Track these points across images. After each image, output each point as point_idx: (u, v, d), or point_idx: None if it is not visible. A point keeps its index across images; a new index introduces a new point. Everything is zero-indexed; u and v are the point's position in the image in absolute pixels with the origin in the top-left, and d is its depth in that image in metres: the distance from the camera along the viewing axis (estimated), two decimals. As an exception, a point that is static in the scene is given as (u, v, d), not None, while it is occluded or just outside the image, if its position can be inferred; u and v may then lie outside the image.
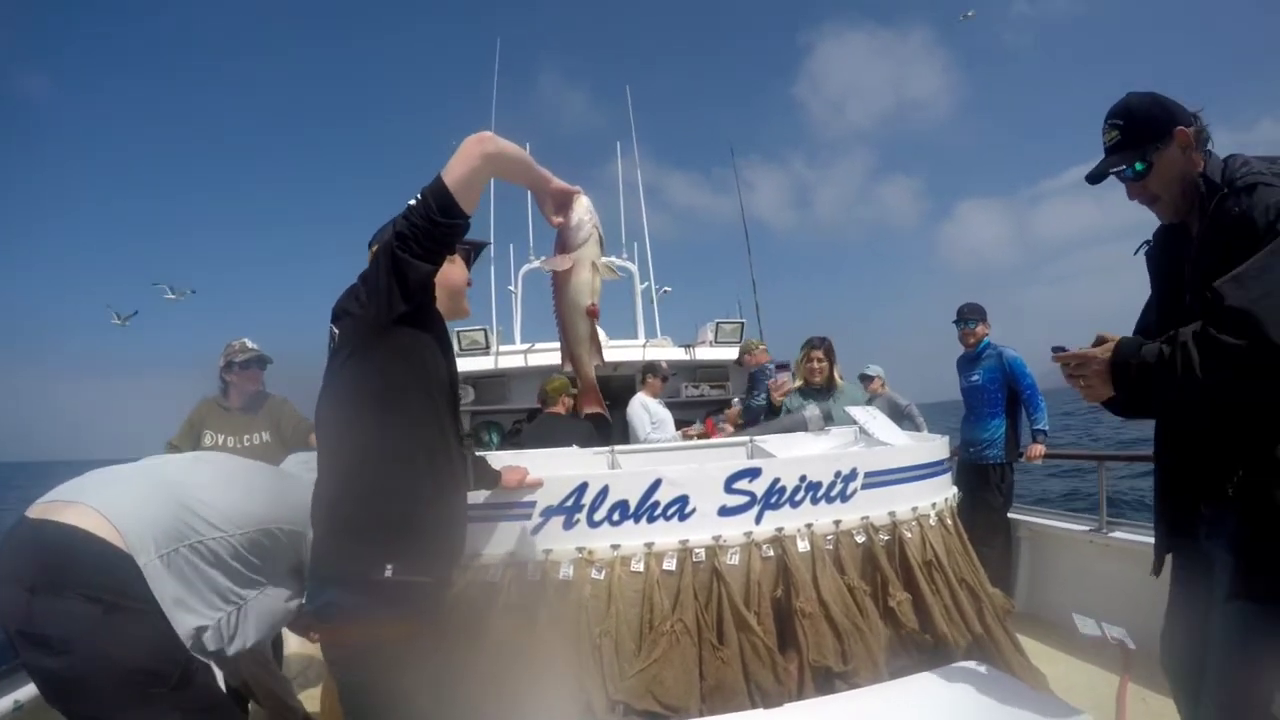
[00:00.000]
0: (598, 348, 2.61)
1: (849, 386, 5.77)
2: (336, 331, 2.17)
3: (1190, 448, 2.30)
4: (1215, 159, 2.25)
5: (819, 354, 5.58)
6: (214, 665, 2.33)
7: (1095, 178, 2.36)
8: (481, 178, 2.11)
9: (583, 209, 2.43)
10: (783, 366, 6.61)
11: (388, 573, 1.97)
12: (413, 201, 2.04)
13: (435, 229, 2.01)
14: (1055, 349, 2.25)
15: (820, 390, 5.55)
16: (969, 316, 6.19)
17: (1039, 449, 5.89)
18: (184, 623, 2.11)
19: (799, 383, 5.80)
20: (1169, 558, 2.52)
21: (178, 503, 2.24)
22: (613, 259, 8.83)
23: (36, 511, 2.12)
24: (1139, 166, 2.24)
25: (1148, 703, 3.66)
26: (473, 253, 2.58)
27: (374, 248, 2.24)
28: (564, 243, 2.45)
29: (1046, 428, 5.96)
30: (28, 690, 2.92)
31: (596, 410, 2.86)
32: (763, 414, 6.47)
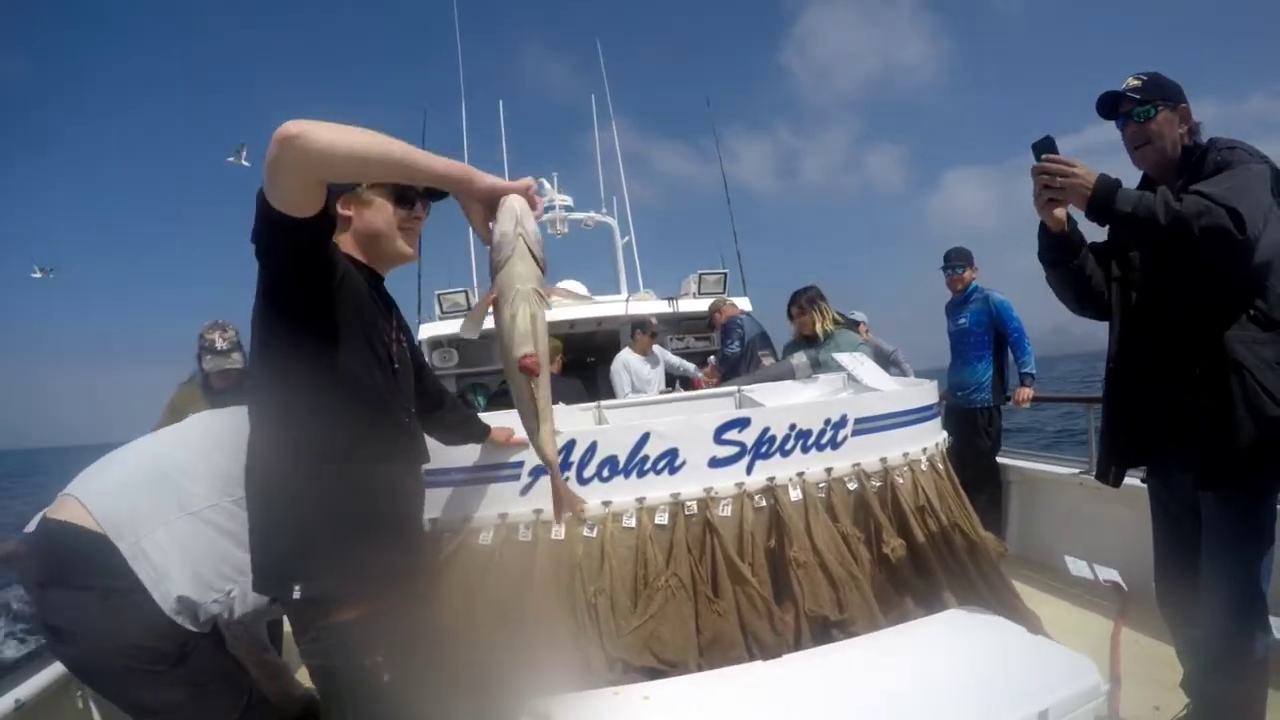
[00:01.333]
0: (536, 406, 1.89)
1: (844, 332, 5.60)
2: None
3: (1147, 361, 2.55)
4: (1200, 140, 2.58)
5: (795, 308, 5.56)
6: (222, 630, 2.35)
7: (1111, 99, 2.58)
8: (302, 188, 1.56)
9: (508, 216, 1.75)
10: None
11: (296, 594, 1.82)
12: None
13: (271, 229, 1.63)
14: (1044, 141, 2.37)
15: (814, 341, 5.46)
16: (956, 261, 6.13)
17: (1027, 392, 5.86)
18: (169, 596, 2.13)
19: (793, 340, 5.73)
20: (1146, 493, 2.77)
21: (164, 477, 2.25)
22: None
23: (49, 509, 2.24)
24: (1151, 111, 2.51)
25: (1139, 644, 3.68)
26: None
27: None
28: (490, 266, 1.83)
29: (1034, 371, 5.92)
30: (28, 688, 2.92)
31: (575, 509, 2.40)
32: (740, 361, 6.50)
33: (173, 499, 2.21)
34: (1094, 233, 2.52)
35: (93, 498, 2.17)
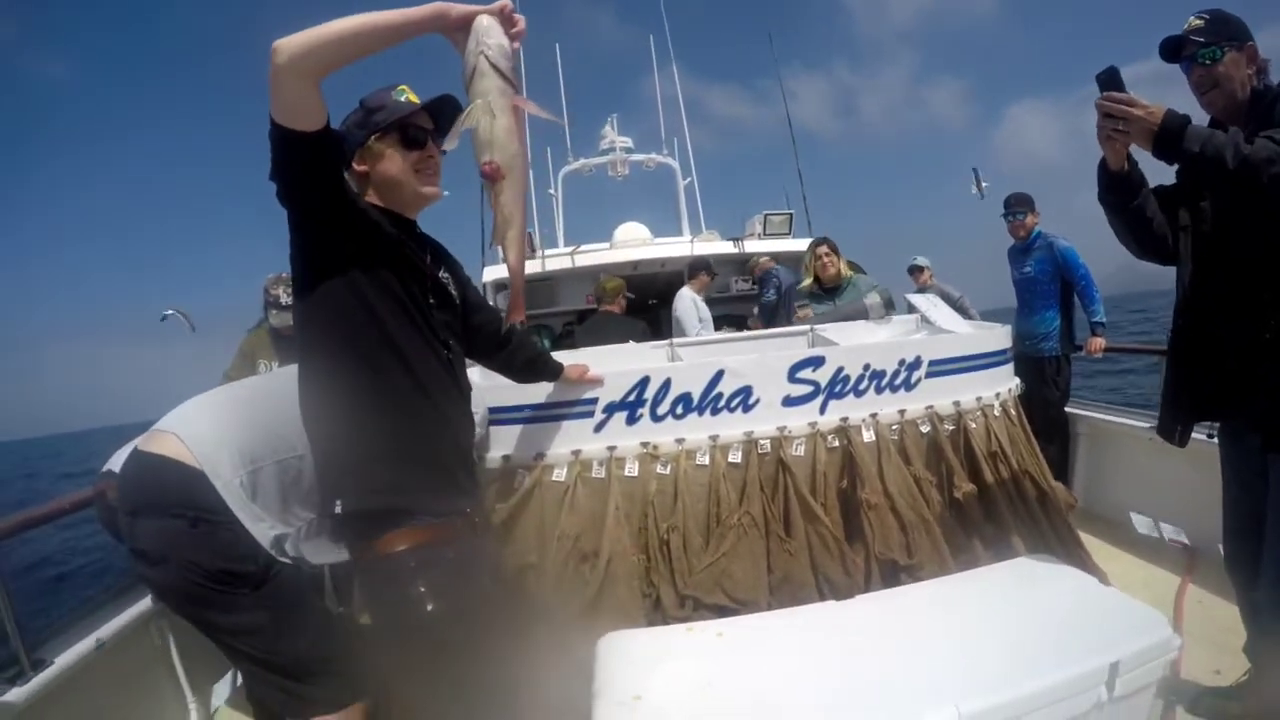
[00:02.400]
0: (513, 232, 2.01)
1: (857, 277, 5.59)
2: None
3: (1216, 310, 2.48)
4: (1271, 84, 2.45)
5: (824, 249, 5.55)
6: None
7: (1174, 43, 2.46)
8: (298, 89, 1.68)
9: (471, 36, 1.84)
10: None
11: (337, 509, 1.94)
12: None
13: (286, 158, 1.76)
14: (1108, 74, 2.28)
15: (831, 289, 5.49)
16: (1016, 208, 5.99)
17: (1099, 342, 5.74)
18: (263, 533, 2.21)
19: (809, 280, 5.69)
20: (1214, 451, 2.73)
21: (260, 424, 2.31)
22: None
23: (140, 442, 2.30)
24: (1217, 54, 2.38)
25: (1203, 604, 3.63)
26: (411, 127, 2.09)
27: None
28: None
29: (1104, 319, 5.81)
30: (108, 628, 3.05)
31: (518, 318, 2.43)
32: (777, 308, 6.66)
33: (269, 445, 2.27)
34: (1158, 173, 2.45)
35: (192, 435, 2.22)
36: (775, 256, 7.70)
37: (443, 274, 2.26)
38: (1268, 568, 2.44)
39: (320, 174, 1.80)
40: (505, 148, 1.88)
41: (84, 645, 2.89)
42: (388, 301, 1.95)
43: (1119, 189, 2.46)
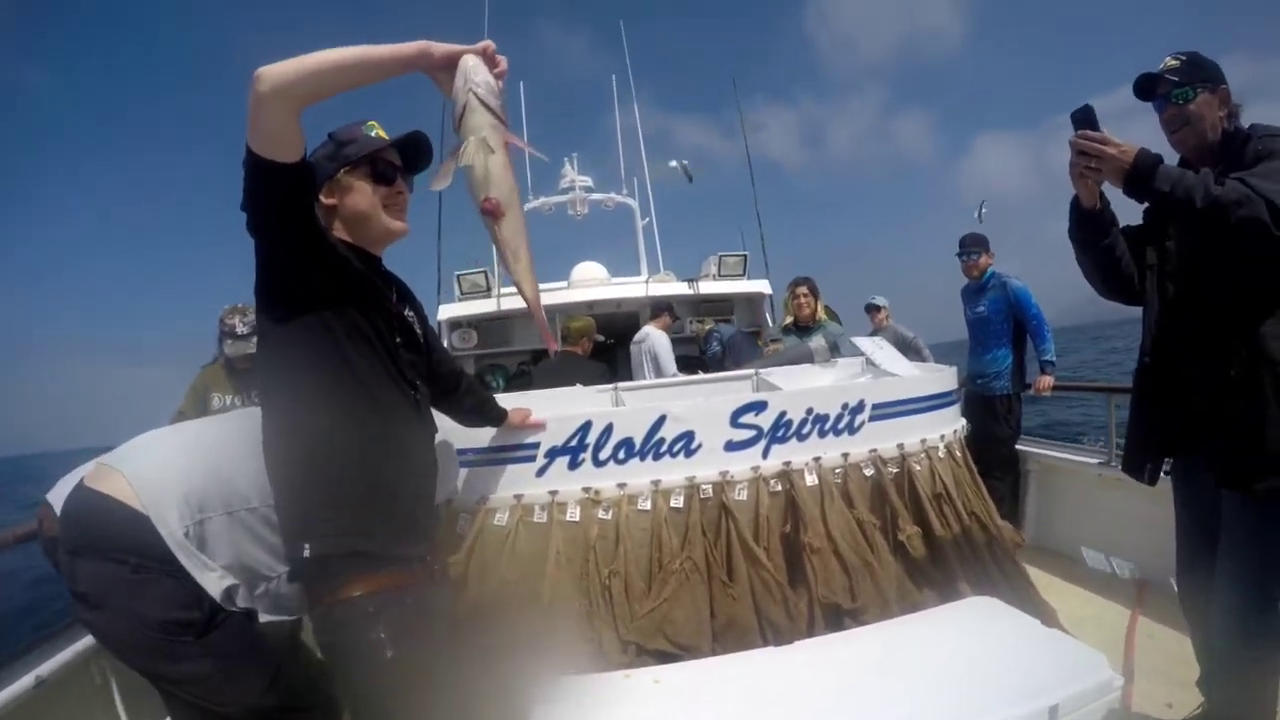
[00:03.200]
0: (505, 247, 1.97)
1: (831, 324, 5.94)
2: None
3: (1181, 350, 2.51)
4: (1242, 127, 2.50)
5: (804, 289, 5.86)
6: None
7: (1149, 81, 2.51)
8: (279, 118, 1.66)
9: (458, 75, 1.87)
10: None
11: (305, 552, 1.91)
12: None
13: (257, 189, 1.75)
14: (1083, 112, 2.37)
15: (806, 328, 5.80)
16: (971, 248, 6.04)
17: (1048, 380, 5.80)
18: (212, 582, 2.11)
19: (788, 319, 5.99)
20: (1165, 485, 2.76)
21: (210, 470, 2.20)
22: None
23: (86, 476, 2.20)
24: (1190, 94, 2.44)
25: (1154, 638, 3.67)
26: (381, 161, 2.10)
27: None
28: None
29: (1054, 359, 5.87)
30: (48, 665, 2.99)
31: (553, 347, 2.59)
32: (722, 361, 6.64)
33: (220, 495, 2.17)
34: (1128, 212, 2.50)
35: (140, 476, 2.14)
36: (729, 297, 7.77)
37: (408, 313, 2.26)
38: (1219, 600, 2.47)
39: (295, 206, 1.78)
40: (502, 183, 1.90)
41: (22, 683, 2.82)
42: (356, 340, 1.94)
43: (1090, 226, 2.53)
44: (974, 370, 6.04)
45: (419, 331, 2.29)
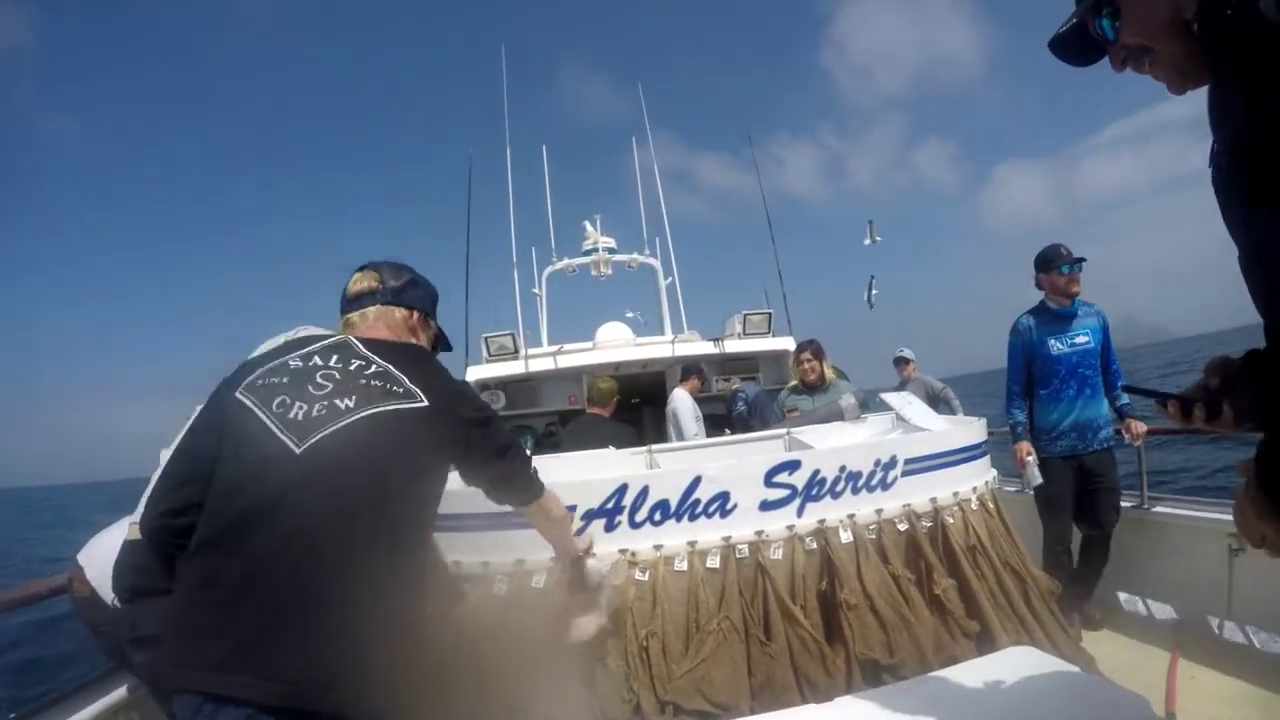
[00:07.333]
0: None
1: (839, 381, 6.04)
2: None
3: None
4: None
5: (808, 354, 5.99)
6: None
7: (1055, 44, 1.57)
8: (519, 500, 2.34)
9: (592, 570, 2.78)
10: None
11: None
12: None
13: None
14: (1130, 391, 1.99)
15: (815, 387, 5.94)
16: (1078, 259, 4.65)
17: (1141, 426, 4.61)
18: None
19: (794, 383, 6.13)
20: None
21: None
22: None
23: (130, 532, 2.23)
24: (1105, 22, 1.42)
25: (1197, 679, 3.63)
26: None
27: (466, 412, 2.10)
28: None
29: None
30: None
31: None
32: (749, 420, 6.86)
33: None
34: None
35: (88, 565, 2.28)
36: (755, 355, 7.84)
37: None
38: None
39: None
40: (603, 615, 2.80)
41: None
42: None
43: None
44: (1085, 418, 4.64)
45: None
